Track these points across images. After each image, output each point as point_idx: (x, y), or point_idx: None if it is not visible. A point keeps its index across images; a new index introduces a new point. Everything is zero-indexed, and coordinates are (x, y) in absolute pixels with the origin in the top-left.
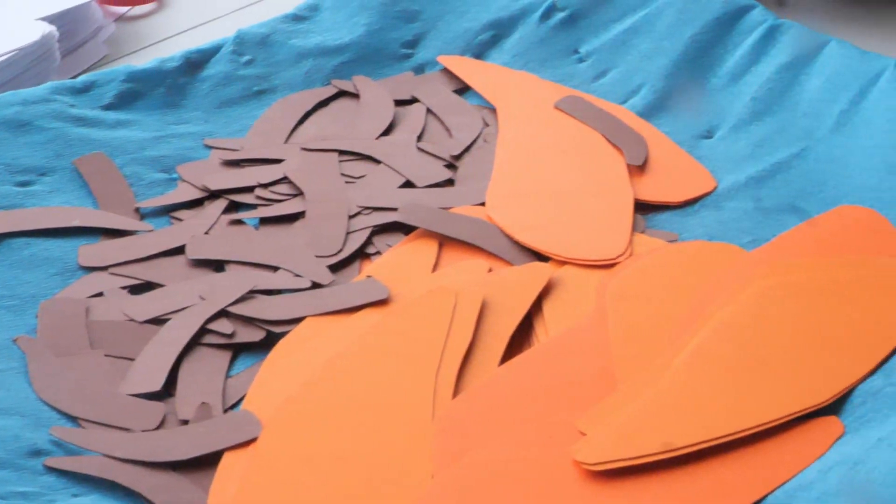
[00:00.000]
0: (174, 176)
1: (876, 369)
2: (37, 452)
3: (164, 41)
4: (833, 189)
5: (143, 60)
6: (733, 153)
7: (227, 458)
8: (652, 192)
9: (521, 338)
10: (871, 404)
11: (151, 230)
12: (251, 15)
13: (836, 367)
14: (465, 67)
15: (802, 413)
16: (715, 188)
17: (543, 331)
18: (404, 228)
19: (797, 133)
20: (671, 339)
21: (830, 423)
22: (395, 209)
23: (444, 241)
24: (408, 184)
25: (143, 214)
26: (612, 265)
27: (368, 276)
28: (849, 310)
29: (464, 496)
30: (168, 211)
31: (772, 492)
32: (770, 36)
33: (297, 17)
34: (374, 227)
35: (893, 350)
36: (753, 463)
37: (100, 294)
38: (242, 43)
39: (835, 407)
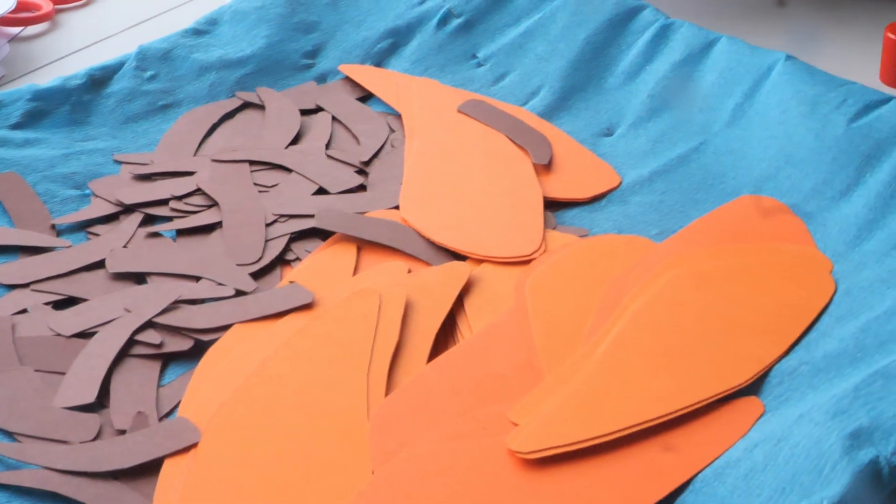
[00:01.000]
0: (87, 192)
1: (789, 350)
2: None
3: (59, 60)
4: (733, 180)
5: (39, 80)
6: (634, 149)
7: (167, 465)
8: (559, 189)
9: (445, 335)
10: (788, 383)
11: (70, 246)
12: (144, 33)
13: (751, 350)
14: (367, 75)
15: (723, 395)
16: (620, 184)
17: (467, 327)
18: (321, 234)
19: (694, 128)
20: (591, 330)
21: (751, 403)
22: (311, 216)
23: (362, 244)
24: (321, 191)
25: (59, 231)
26: (528, 261)
27: (291, 282)
28: (758, 295)
29: (404, 490)
30: (84, 227)
31: (700, 471)
32: (662, 35)
33: (197, 32)
34: (292, 234)
35: (805, 331)
36: (682, 445)
37: (23, 311)
38: (145, 58)
39: (754, 388)
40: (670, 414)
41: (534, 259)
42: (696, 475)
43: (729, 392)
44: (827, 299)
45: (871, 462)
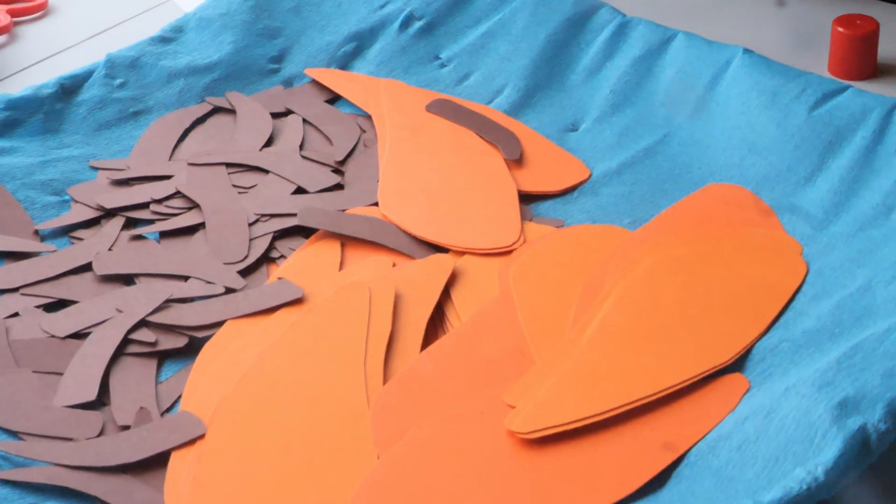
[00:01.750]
0: (66, 198)
1: (769, 329)
2: None
3: (20, 72)
4: (699, 170)
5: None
6: (600, 143)
7: (174, 458)
8: (532, 183)
9: (434, 325)
10: (770, 360)
11: (55, 251)
12: (103, 42)
13: (732, 330)
14: (334, 78)
15: (708, 373)
16: (590, 176)
17: (455, 316)
18: (304, 232)
19: (657, 121)
20: (576, 316)
21: (737, 380)
22: (292, 214)
23: (345, 241)
24: (299, 190)
25: (42, 236)
26: (509, 252)
27: (280, 278)
28: (733, 278)
29: (409, 472)
30: (67, 231)
31: (694, 445)
32: (620, 32)
33: (163, 39)
34: (275, 232)
35: (782, 311)
36: (673, 421)
37: (15, 314)
38: (113, 66)
39: (737, 365)
40: (660, 392)
41: (514, 250)
42: (689, 449)
43: (714, 370)
44: (800, 280)
45: (860, 429)
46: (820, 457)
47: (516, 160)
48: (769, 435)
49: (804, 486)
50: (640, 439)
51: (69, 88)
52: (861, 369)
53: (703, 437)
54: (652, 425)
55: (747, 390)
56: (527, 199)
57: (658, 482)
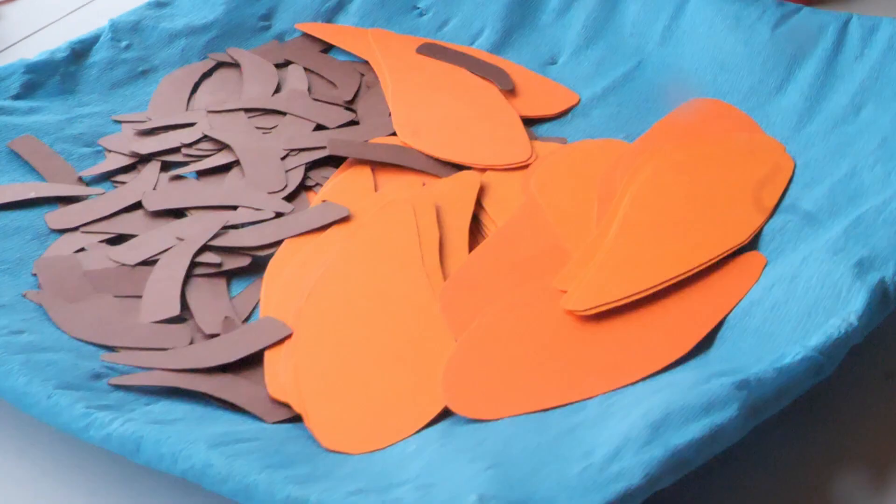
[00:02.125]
0: (99, 149)
1: (772, 214)
2: (97, 376)
3: (8, 49)
4: (675, 90)
5: None
6: (580, 73)
7: (269, 356)
8: (527, 109)
9: (472, 233)
10: (779, 239)
11: (103, 193)
12: (82, 21)
13: (740, 216)
14: (325, 30)
15: (729, 252)
16: (579, 101)
17: (491, 222)
18: (333, 163)
19: (629, 51)
20: (598, 215)
21: (755, 256)
22: (320, 147)
23: (374, 167)
24: (319, 128)
25: (86, 183)
26: (526, 166)
27: (324, 201)
28: (730, 173)
29: (488, 348)
30: (108, 177)
31: (730, 312)
32: None
33: (159, 4)
34: (307, 164)
35: (780, 198)
36: (707, 294)
37: (82, 249)
38: (118, 30)
39: (751, 246)
40: (691, 270)
41: (530, 164)
42: (726, 315)
43: (733, 249)
44: (790, 172)
45: (880, 282)
46: (850, 306)
47: (510, 90)
48: (797, 296)
49: (842, 331)
50: (682, 310)
51: (79, 52)
52: (868, 236)
53: (736, 305)
54: (690, 298)
55: (766, 264)
56: (526, 123)
57: (705, 345)
